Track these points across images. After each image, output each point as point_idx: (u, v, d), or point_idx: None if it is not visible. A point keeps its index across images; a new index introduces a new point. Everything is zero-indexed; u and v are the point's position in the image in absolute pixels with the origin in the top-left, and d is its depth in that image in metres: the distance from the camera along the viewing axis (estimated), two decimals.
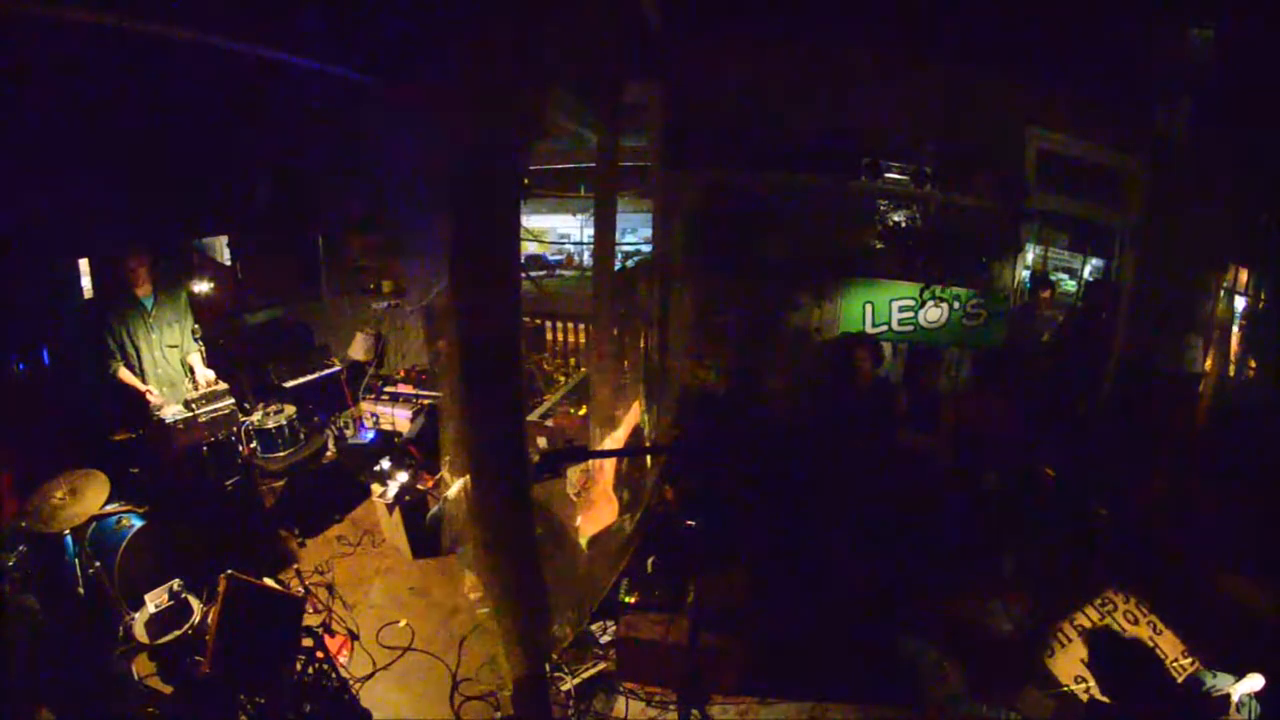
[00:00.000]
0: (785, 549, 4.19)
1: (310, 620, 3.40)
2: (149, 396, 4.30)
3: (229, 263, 6.36)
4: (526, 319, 6.52)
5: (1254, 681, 2.83)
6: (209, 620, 2.91)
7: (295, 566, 4.33)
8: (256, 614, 2.93)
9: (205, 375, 4.54)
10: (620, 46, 3.86)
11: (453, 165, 2.34)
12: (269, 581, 3.35)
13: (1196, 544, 3.97)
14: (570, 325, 6.78)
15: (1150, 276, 5.16)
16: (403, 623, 3.90)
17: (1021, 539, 4.30)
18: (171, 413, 4.26)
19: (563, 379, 6.36)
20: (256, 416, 5.17)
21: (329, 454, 5.58)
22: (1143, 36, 4.71)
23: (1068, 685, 3.51)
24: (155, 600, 3.25)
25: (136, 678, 3.28)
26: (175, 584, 3.33)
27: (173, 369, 4.53)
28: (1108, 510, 4.34)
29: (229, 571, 2.89)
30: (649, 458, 4.83)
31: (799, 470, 4.68)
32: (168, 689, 3.21)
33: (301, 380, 5.99)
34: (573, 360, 6.75)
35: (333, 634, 3.73)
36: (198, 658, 3.06)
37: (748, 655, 3.47)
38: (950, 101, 5.13)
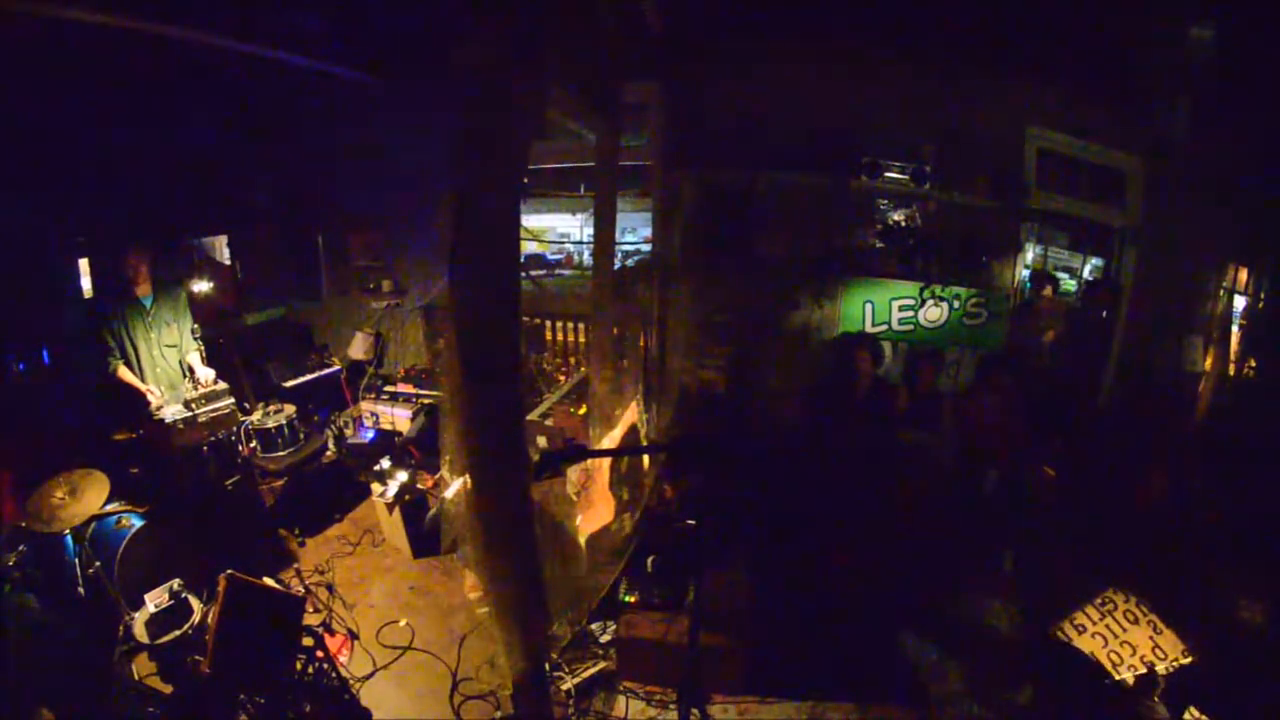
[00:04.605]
0: (785, 548, 4.19)
1: (310, 620, 3.40)
2: (149, 396, 4.30)
3: (229, 263, 6.37)
4: (526, 319, 6.52)
5: None
6: (209, 620, 2.92)
7: (295, 566, 4.33)
8: (256, 614, 2.92)
9: (205, 375, 4.54)
10: (620, 46, 3.85)
11: (452, 164, 2.34)
12: (269, 581, 3.36)
13: (1196, 544, 3.96)
14: (570, 325, 6.78)
15: (1150, 276, 5.17)
16: (403, 622, 3.91)
17: (1021, 539, 4.29)
18: (171, 412, 4.25)
19: (563, 379, 6.35)
20: (256, 416, 5.17)
21: (329, 454, 5.58)
22: (1142, 36, 4.71)
23: None
24: (155, 600, 3.25)
25: (136, 678, 3.28)
26: (175, 584, 3.33)
27: (171, 368, 4.53)
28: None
29: (229, 571, 2.89)
30: (648, 457, 4.82)
31: (799, 471, 4.68)
32: (168, 689, 3.21)
33: (301, 380, 6.00)
34: (573, 360, 6.75)
35: (333, 633, 3.73)
36: (198, 658, 3.06)
37: (748, 655, 3.47)
38: (949, 101, 5.13)
